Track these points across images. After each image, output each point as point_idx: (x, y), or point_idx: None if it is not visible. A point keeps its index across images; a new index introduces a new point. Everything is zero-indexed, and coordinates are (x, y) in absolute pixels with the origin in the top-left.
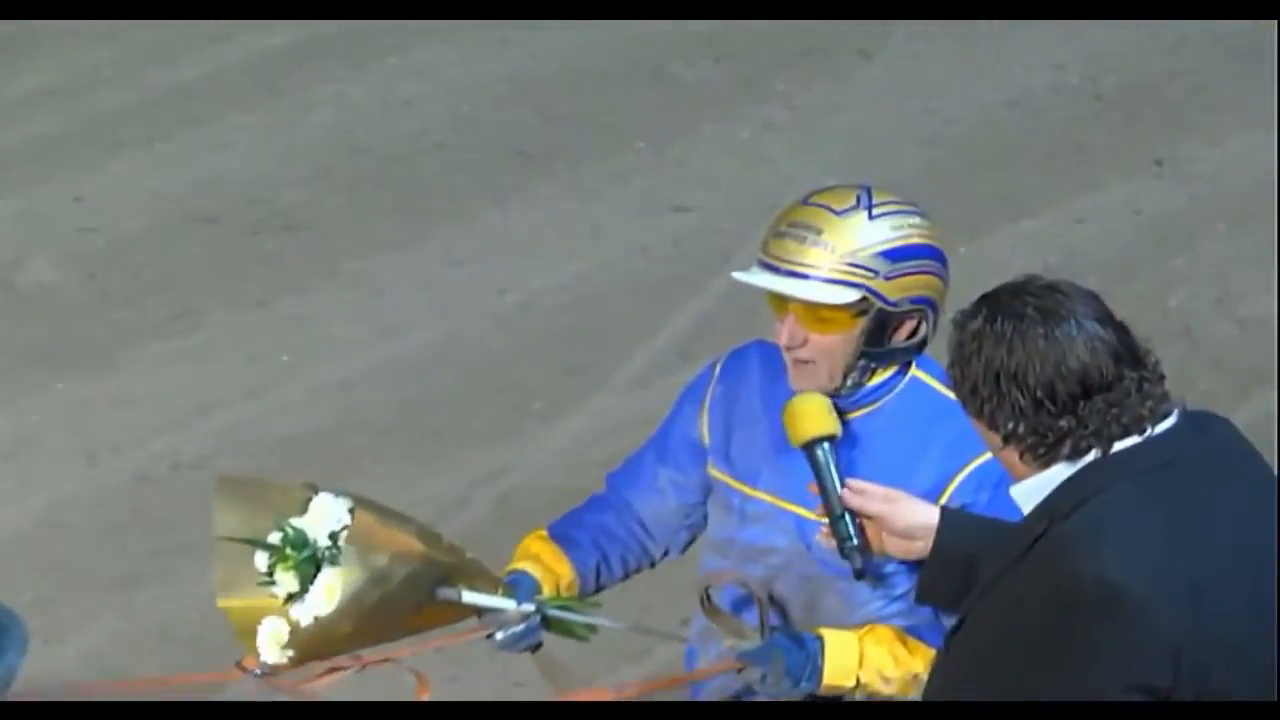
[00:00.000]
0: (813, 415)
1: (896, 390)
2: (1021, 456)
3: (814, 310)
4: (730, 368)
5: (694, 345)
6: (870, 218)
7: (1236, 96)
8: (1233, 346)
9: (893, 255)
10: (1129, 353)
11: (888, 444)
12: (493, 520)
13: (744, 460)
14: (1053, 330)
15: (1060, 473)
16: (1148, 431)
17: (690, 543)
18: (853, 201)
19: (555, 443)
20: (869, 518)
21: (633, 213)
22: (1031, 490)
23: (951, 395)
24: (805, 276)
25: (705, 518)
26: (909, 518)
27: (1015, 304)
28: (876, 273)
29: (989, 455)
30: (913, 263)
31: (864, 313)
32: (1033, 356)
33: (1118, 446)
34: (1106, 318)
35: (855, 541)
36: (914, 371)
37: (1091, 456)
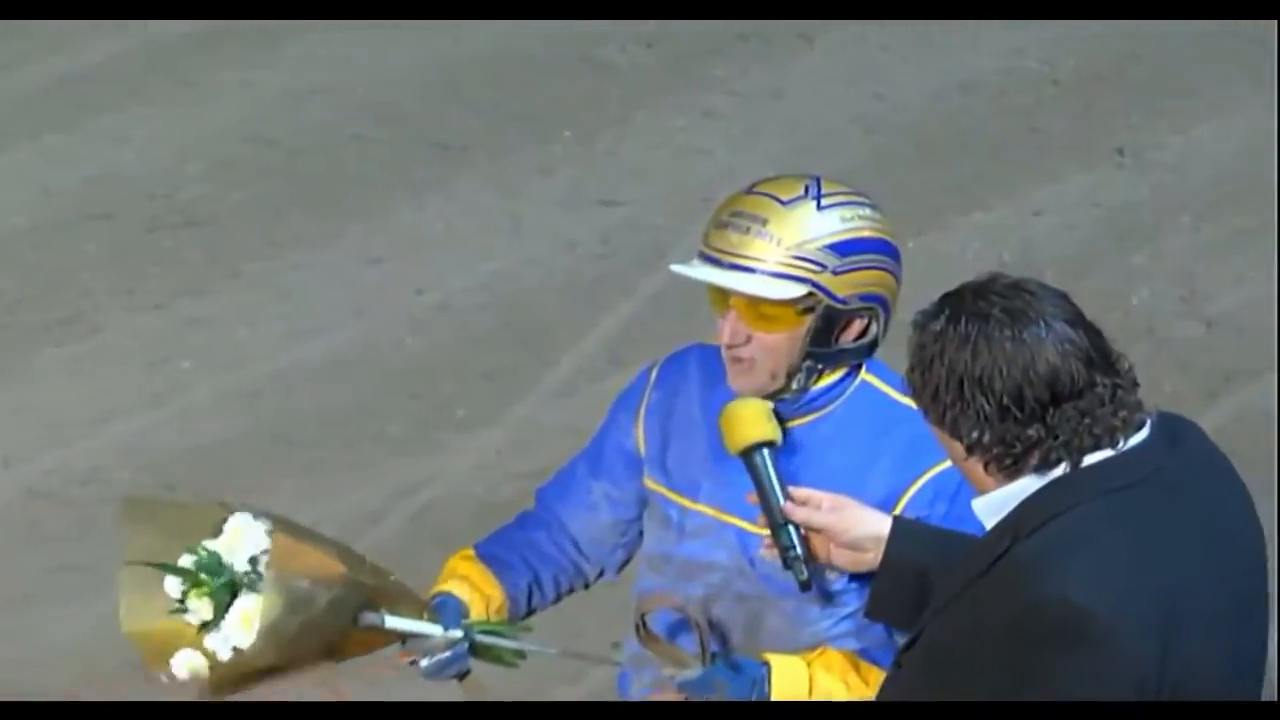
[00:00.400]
0: (750, 420)
1: (845, 395)
2: (986, 467)
3: (757, 306)
4: (667, 373)
5: (625, 349)
6: (819, 208)
7: (1202, 82)
8: (1199, 347)
9: (842, 249)
10: (1101, 357)
11: (835, 453)
12: (410, 535)
13: (682, 471)
14: (1020, 332)
15: (1027, 486)
16: (1120, 444)
17: (626, 562)
18: (800, 191)
19: (476, 453)
20: (815, 530)
21: (559, 207)
22: (995, 504)
23: (905, 401)
24: (749, 270)
25: (642, 534)
26: (858, 527)
27: (980, 304)
28: (825, 267)
29: (945, 465)
30: (864, 257)
31: (810, 310)
32: (999, 360)
33: (1088, 460)
34: (1077, 319)
35: (798, 551)
36: (864, 375)
37: (1061, 469)
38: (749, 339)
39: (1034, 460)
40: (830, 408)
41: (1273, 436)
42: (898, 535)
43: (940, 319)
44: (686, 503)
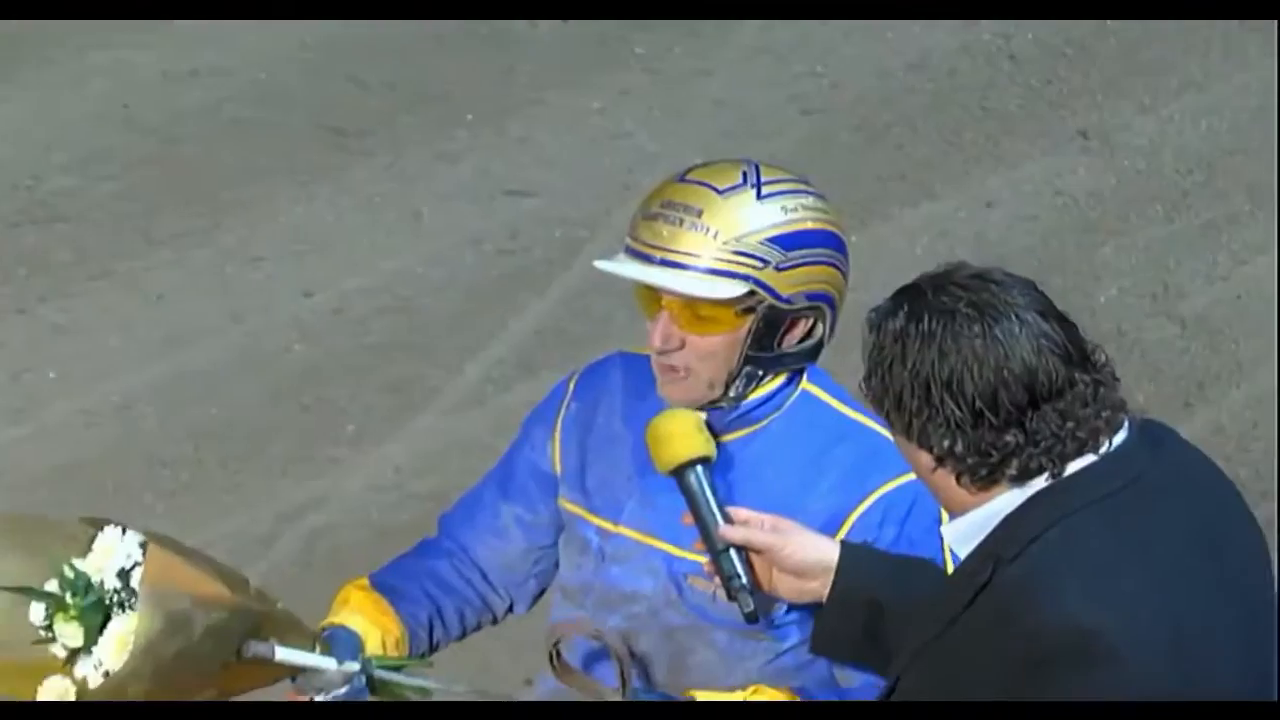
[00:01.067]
0: (680, 435)
1: (784, 407)
2: (959, 480)
3: (692, 307)
4: (587, 384)
5: (536, 355)
6: (759, 198)
7: (1174, 57)
8: (1172, 350)
9: (785, 242)
10: (1079, 352)
11: (773, 472)
12: (300, 562)
13: (603, 491)
14: (991, 328)
15: (1004, 504)
16: (1103, 447)
17: (539, 595)
18: (738, 179)
19: (372, 472)
20: (756, 551)
21: (463, 199)
22: (970, 528)
23: (849, 414)
24: (682, 266)
25: (557, 564)
26: (802, 552)
27: (943, 298)
28: (766, 262)
29: (894, 484)
30: (809, 252)
31: (751, 310)
32: (969, 359)
33: (1070, 467)
34: (1049, 310)
35: (744, 580)
36: (804, 384)
37: (1041, 480)
38: (682, 343)
39: (1012, 470)
40: (767, 421)
41: (1254, 444)
42: (847, 563)
43: (899, 316)
44: (608, 526)
